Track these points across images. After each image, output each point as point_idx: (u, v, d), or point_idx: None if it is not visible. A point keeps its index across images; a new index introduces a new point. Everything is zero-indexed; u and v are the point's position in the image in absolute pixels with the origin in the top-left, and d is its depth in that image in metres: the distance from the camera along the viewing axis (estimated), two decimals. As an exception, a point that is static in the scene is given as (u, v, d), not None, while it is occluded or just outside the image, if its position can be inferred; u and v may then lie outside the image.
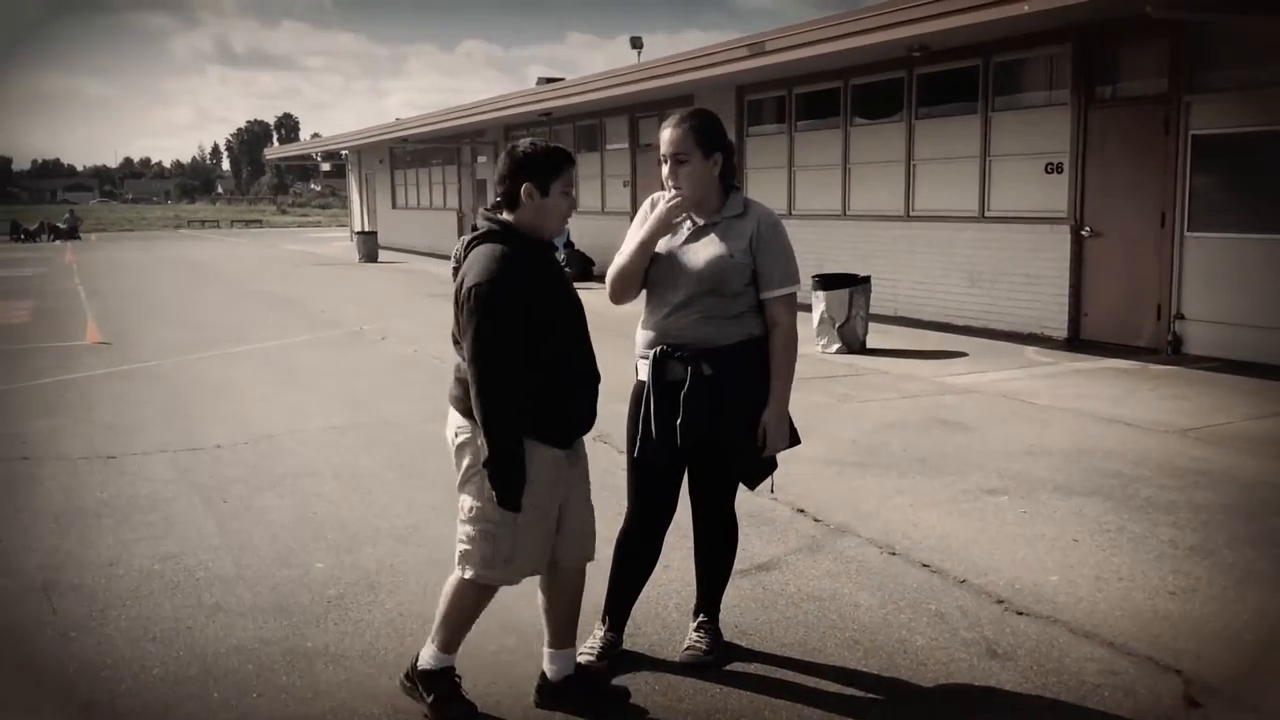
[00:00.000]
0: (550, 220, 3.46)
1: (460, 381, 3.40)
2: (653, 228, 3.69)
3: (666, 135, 3.74)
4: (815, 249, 14.85)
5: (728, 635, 4.14)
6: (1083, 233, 11.59)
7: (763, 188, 17.24)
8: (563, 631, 3.66)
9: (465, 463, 3.42)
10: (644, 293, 3.83)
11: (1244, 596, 4.48)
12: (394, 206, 35.97)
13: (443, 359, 11.15)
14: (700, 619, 4.06)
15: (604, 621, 3.99)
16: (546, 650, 3.67)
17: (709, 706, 3.61)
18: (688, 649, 3.97)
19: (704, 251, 3.69)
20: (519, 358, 3.26)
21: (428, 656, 3.58)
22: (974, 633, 4.17)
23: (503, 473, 3.26)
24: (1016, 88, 12.68)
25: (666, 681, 3.79)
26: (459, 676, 3.60)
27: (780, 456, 3.84)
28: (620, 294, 3.81)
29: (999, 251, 12.61)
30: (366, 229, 33.80)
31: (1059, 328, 11.86)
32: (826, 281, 11.44)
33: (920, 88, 13.80)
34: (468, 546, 3.45)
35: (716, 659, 3.93)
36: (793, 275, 3.80)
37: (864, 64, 14.17)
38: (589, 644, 3.91)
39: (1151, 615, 4.32)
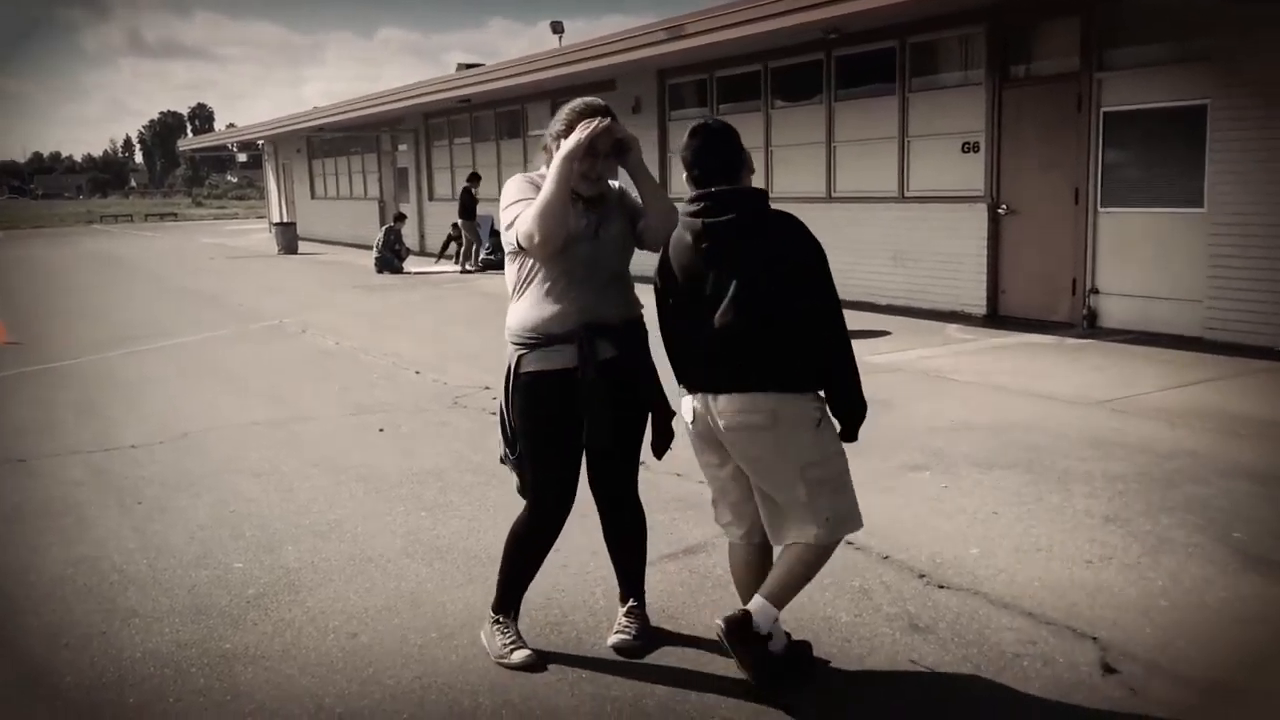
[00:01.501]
0: None
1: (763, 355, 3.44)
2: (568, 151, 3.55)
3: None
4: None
5: (655, 620, 4.13)
6: (999, 211, 11.77)
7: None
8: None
9: (805, 437, 3.50)
10: (531, 271, 3.67)
11: (1158, 563, 4.58)
12: (313, 197, 35.40)
13: (366, 351, 11.06)
14: (630, 604, 4.05)
15: (506, 614, 3.92)
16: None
17: (636, 692, 3.60)
18: (617, 634, 3.96)
19: (616, 226, 3.72)
20: None
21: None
22: (897, 607, 4.21)
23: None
24: (933, 69, 12.83)
25: (594, 669, 3.77)
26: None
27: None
28: (556, 232, 3.50)
29: (919, 231, 12.76)
30: (285, 220, 33.19)
31: (979, 305, 12.04)
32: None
33: (839, 70, 13.89)
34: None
35: (645, 644, 3.92)
36: None
37: (782, 47, 14.22)
38: (505, 641, 3.84)
39: (1069, 584, 4.40)
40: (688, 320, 3.54)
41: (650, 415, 3.82)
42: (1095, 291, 10.93)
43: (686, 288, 3.54)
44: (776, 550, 3.70)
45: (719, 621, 3.49)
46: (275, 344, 12.04)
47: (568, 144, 3.56)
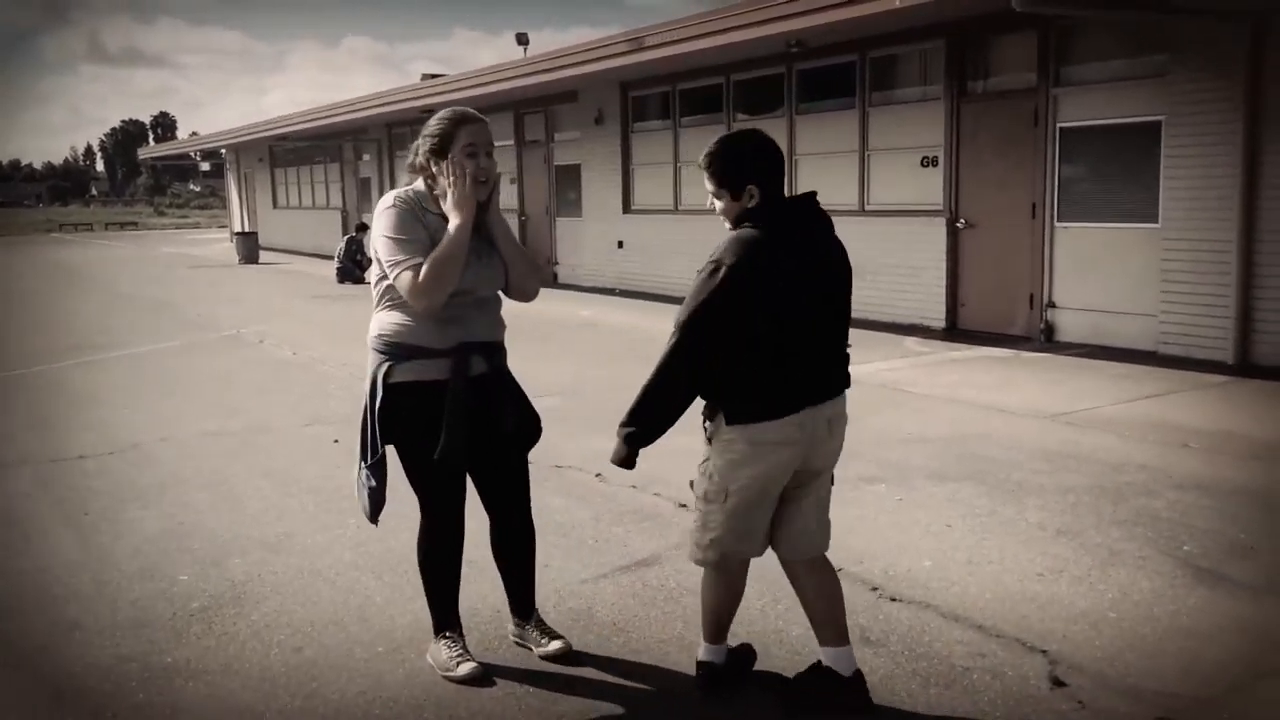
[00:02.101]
0: None
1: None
2: (471, 207, 3.56)
3: (481, 129, 3.63)
4: (702, 244, 14.89)
5: (606, 633, 4.11)
6: (958, 225, 11.85)
7: (648, 184, 17.28)
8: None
9: None
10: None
11: (1109, 576, 4.60)
12: (275, 206, 35.13)
13: (324, 361, 10.95)
14: (535, 619, 4.01)
15: (453, 630, 3.84)
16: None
17: (583, 708, 3.57)
18: (545, 646, 3.91)
19: (490, 249, 3.73)
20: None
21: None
22: (849, 620, 4.19)
23: None
24: (892, 83, 12.91)
25: (543, 684, 3.72)
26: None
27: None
28: (446, 287, 3.51)
29: (880, 244, 12.81)
30: (246, 230, 32.94)
31: (938, 318, 12.10)
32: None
33: (800, 83, 13.95)
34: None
35: (569, 643, 3.92)
36: None
37: (744, 60, 14.27)
38: (451, 654, 3.78)
39: (1020, 597, 4.41)
40: (797, 336, 3.33)
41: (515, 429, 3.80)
42: (1052, 305, 11.02)
43: (800, 302, 3.33)
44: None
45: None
46: (232, 354, 11.91)
47: (461, 204, 3.52)
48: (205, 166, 58.05)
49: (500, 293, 3.82)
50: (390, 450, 3.73)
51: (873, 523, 5.40)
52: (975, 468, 6.32)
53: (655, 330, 14.92)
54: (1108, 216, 10.47)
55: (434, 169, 3.59)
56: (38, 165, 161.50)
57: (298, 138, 29.10)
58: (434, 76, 23.92)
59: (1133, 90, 10.11)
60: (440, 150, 3.57)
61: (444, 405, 3.56)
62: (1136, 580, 4.55)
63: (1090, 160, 10.65)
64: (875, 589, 4.51)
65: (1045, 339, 11.00)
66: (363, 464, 3.74)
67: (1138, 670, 3.73)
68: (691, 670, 3.77)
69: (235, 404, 8.93)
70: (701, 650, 3.66)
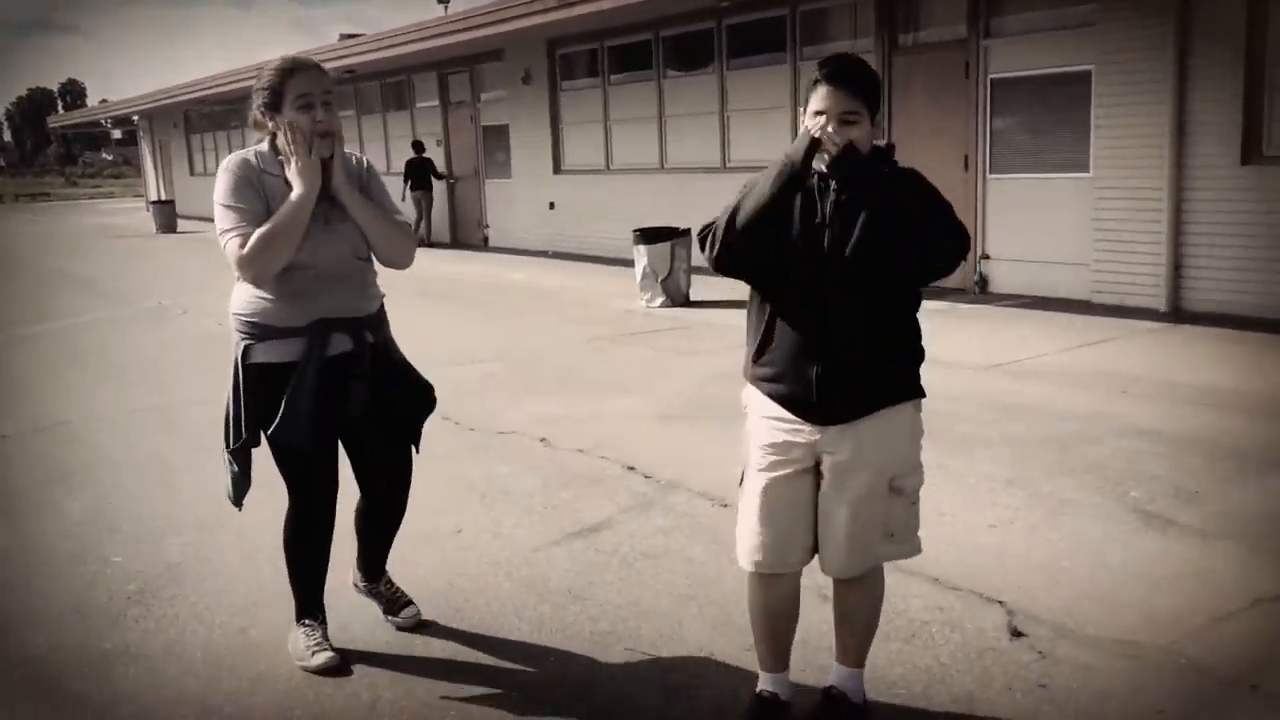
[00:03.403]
0: None
1: None
2: (313, 175, 3.30)
3: (314, 76, 3.39)
4: (634, 203, 14.80)
5: (561, 600, 4.03)
6: (891, 178, 11.83)
7: (579, 142, 17.08)
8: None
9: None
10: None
11: (1060, 525, 4.62)
12: (192, 174, 34.24)
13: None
14: (385, 579, 3.90)
15: (313, 618, 3.66)
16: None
17: (548, 672, 3.49)
18: (402, 610, 3.83)
19: (340, 214, 3.42)
20: None
21: None
22: (806, 579, 4.15)
23: None
24: (823, 36, 12.84)
25: (491, 651, 3.64)
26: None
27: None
28: (275, 261, 3.29)
29: (813, 199, 12.78)
30: (163, 198, 32.07)
31: (873, 272, 12.10)
32: (648, 235, 11.37)
33: (730, 38, 13.82)
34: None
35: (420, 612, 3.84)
36: None
37: (673, 14, 14.11)
38: (308, 643, 3.58)
39: (974, 549, 4.40)
40: None
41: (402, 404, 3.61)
42: (986, 257, 11.09)
43: None
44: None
45: None
46: (156, 327, 11.57)
47: (303, 172, 3.27)
48: (117, 134, 56.45)
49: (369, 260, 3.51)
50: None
51: (822, 479, 5.36)
52: (920, 421, 6.31)
53: (588, 291, 14.82)
54: (1040, 167, 10.53)
55: (271, 125, 3.34)
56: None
57: (214, 101, 28.32)
58: (352, 36, 23.37)
59: (1062, 40, 10.14)
60: (273, 104, 3.32)
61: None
62: (1087, 528, 4.58)
63: (1022, 111, 10.69)
64: (830, 546, 4.47)
65: (980, 291, 11.08)
66: (224, 449, 3.57)
67: (1095, 618, 3.73)
68: (654, 634, 3.71)
69: (162, 379, 8.65)
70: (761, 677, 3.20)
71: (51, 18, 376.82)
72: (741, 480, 3.04)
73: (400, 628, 3.81)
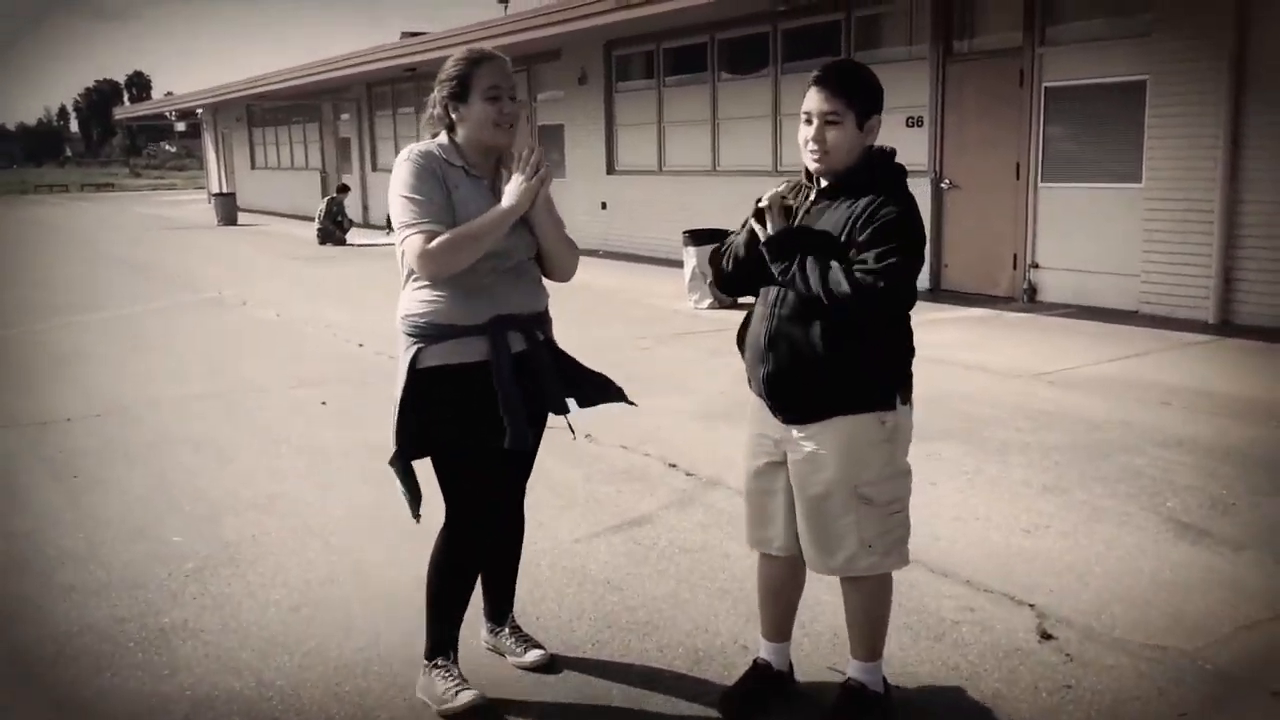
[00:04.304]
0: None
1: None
2: (530, 201, 3.16)
3: (501, 67, 3.25)
4: (686, 204, 14.91)
5: (600, 591, 4.15)
6: (942, 185, 11.87)
7: (633, 142, 17.22)
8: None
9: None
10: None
11: (1093, 531, 4.67)
12: (253, 167, 34.86)
13: (308, 323, 10.92)
14: (511, 622, 3.69)
15: (446, 656, 3.39)
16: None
17: (585, 656, 3.62)
18: (522, 656, 3.59)
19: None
20: None
21: None
22: (838, 577, 4.25)
23: None
24: (878, 42, 12.87)
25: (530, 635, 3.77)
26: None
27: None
28: (460, 262, 3.11)
29: (863, 204, 12.82)
30: (224, 191, 32.67)
31: (922, 279, 12.11)
32: (697, 237, 11.47)
33: (785, 43, 13.90)
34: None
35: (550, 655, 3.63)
36: None
37: (729, 18, 14.20)
38: (447, 686, 3.31)
39: (1006, 553, 4.47)
40: None
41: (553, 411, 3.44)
42: (1035, 266, 11.08)
43: None
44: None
45: None
46: (215, 316, 11.86)
47: (521, 194, 3.12)
48: (181, 127, 57.50)
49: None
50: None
51: (861, 481, 5.45)
52: (959, 426, 6.38)
53: (637, 290, 14.97)
54: (1091, 177, 10.50)
55: (453, 116, 3.21)
56: (10, 126, 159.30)
57: (276, 97, 28.83)
58: (414, 34, 23.69)
59: (1118, 49, 10.11)
60: (459, 95, 3.18)
61: (474, 391, 3.17)
62: (1120, 536, 4.63)
63: (1075, 120, 10.67)
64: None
65: (1028, 299, 11.06)
66: (398, 460, 3.28)
67: (1124, 623, 3.80)
68: (690, 626, 3.83)
69: (221, 366, 8.90)
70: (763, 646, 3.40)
71: (117, 7, 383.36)
72: None
73: (521, 668, 3.58)
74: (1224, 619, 3.81)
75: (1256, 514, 4.86)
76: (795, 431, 3.07)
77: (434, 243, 3.06)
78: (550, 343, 3.40)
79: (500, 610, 3.68)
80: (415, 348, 3.18)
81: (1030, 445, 5.96)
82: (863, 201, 2.97)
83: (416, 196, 3.11)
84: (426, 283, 3.17)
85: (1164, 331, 9.19)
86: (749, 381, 3.25)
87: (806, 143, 3.03)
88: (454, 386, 3.17)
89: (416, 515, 3.36)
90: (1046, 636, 3.72)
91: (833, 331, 2.97)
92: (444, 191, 3.13)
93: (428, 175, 3.13)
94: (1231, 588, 4.08)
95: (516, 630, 3.68)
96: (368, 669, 3.59)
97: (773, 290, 3.08)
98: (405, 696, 3.41)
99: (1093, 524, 4.77)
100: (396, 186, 3.15)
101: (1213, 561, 4.34)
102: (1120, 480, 5.33)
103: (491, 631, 3.69)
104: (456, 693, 3.28)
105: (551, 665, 3.58)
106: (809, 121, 3.02)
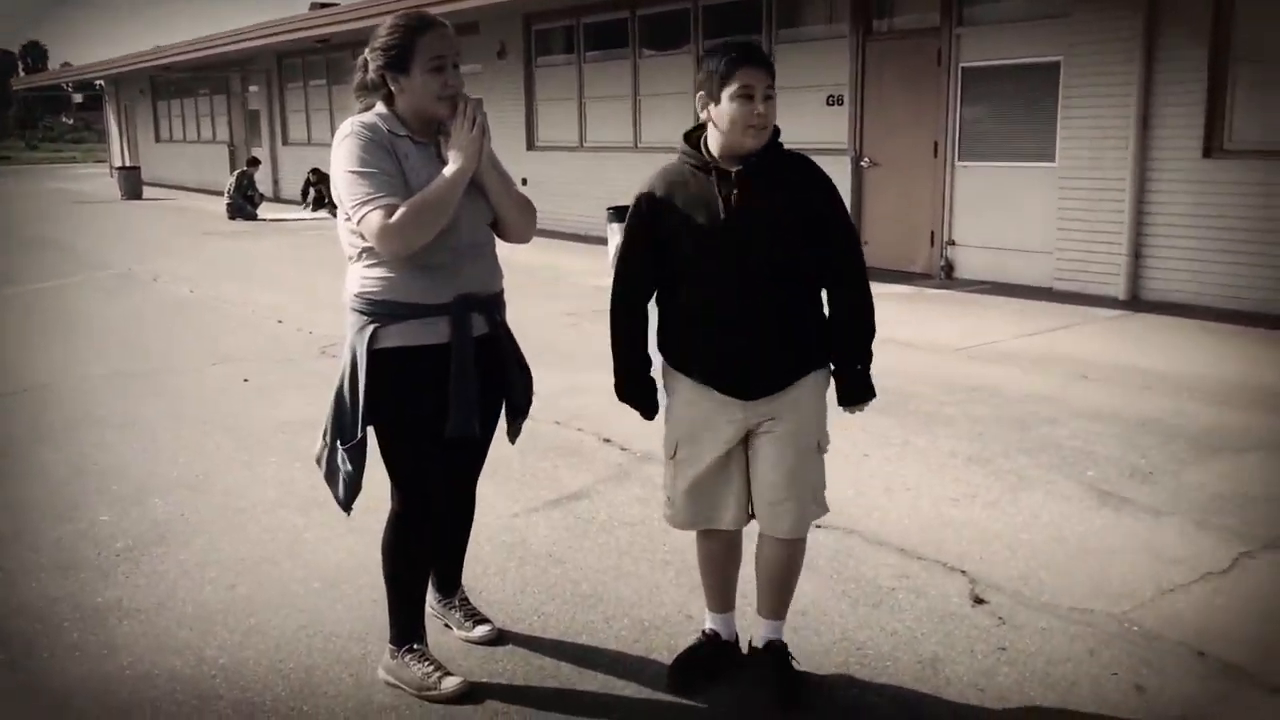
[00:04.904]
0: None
1: None
2: (477, 155, 3.04)
3: (445, 35, 3.15)
4: (608, 180, 14.89)
5: (542, 564, 4.17)
6: (862, 164, 12.03)
7: (553, 118, 17.13)
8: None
9: None
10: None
11: (1019, 501, 4.81)
12: (158, 140, 33.94)
13: (223, 299, 10.70)
14: (460, 595, 3.65)
15: (419, 641, 3.33)
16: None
17: (531, 629, 3.63)
18: (470, 631, 3.57)
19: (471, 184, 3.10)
20: None
21: None
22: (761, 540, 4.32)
23: None
24: (799, 20, 12.97)
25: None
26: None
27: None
28: (425, 234, 2.94)
29: (784, 182, 12.93)
30: (128, 164, 31.76)
31: (841, 255, 12.27)
32: (619, 213, 11.48)
33: (707, 19, 13.92)
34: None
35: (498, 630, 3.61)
36: None
37: (650, -6, 14.19)
38: (425, 670, 3.25)
39: (937, 521, 4.59)
40: None
41: (507, 399, 3.36)
42: (952, 243, 11.30)
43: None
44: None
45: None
46: (127, 292, 11.56)
47: (468, 148, 3.00)
48: (79, 99, 55.63)
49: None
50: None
51: (793, 454, 5.53)
52: (885, 400, 6.39)
53: (561, 267, 14.90)
54: (1007, 156, 10.73)
55: (392, 87, 3.05)
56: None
57: (181, 68, 28.05)
58: (324, 4, 23.22)
59: (1034, 30, 10.33)
60: (398, 65, 3.02)
61: (436, 374, 3.04)
62: (1045, 504, 4.77)
63: (991, 100, 10.88)
64: (800, 516, 4.64)
65: (945, 276, 11.28)
66: (339, 446, 3.13)
67: (1052, 588, 3.93)
68: (634, 597, 3.87)
69: (138, 343, 8.70)
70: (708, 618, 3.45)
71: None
72: None
73: (476, 642, 3.55)
74: (1147, 582, 3.96)
75: (1174, 482, 5.04)
76: (766, 404, 3.10)
77: (394, 217, 2.87)
78: (507, 329, 3.31)
79: (448, 580, 3.63)
80: (372, 327, 3.02)
81: (955, 418, 6.11)
82: (797, 176, 3.13)
83: (368, 170, 2.93)
84: (380, 259, 3.00)
85: (1077, 307, 9.45)
86: (692, 373, 3.17)
87: (752, 118, 3.03)
88: (412, 368, 3.04)
89: (347, 508, 3.18)
90: (979, 601, 3.83)
91: (795, 299, 3.12)
92: (395, 162, 2.98)
93: (375, 147, 2.97)
94: (1153, 553, 4.24)
95: (465, 603, 3.65)
96: (310, 645, 3.57)
97: (714, 285, 3.09)
98: (351, 673, 3.39)
99: (1018, 493, 4.91)
100: (343, 162, 2.97)
101: (1134, 528, 4.51)
102: (1043, 451, 5.49)
103: (439, 601, 3.62)
104: (440, 678, 3.21)
105: (499, 639, 3.58)
106: (749, 97, 3.01)
